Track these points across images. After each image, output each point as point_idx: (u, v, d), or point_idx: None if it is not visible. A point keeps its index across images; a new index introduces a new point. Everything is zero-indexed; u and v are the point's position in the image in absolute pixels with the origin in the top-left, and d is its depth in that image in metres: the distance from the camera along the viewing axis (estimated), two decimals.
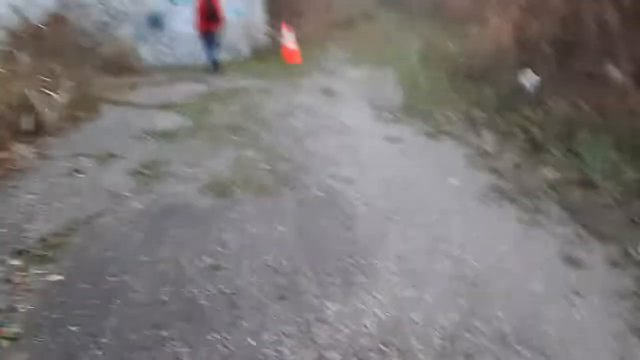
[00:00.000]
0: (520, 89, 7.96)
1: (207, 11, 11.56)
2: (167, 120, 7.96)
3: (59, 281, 3.88)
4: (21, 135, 6.86)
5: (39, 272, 3.99)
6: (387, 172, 5.87)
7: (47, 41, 9.64)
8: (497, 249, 4.25)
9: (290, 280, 3.85)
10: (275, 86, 10.35)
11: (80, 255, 4.24)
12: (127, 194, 5.38)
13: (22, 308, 3.56)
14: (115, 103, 9.10)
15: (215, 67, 11.94)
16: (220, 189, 5.45)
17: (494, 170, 5.74)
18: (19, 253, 4.23)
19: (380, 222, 4.70)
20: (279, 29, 13.54)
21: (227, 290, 3.73)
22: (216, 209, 5.04)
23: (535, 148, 6.11)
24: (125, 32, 12.52)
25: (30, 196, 5.33)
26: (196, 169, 6.05)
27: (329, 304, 3.57)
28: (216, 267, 4.03)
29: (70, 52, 9.88)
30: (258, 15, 14.15)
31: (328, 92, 9.84)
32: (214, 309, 3.54)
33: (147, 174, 5.91)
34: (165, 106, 8.82)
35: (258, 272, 3.96)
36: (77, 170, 6.04)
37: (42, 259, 4.16)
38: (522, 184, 5.37)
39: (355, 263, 4.04)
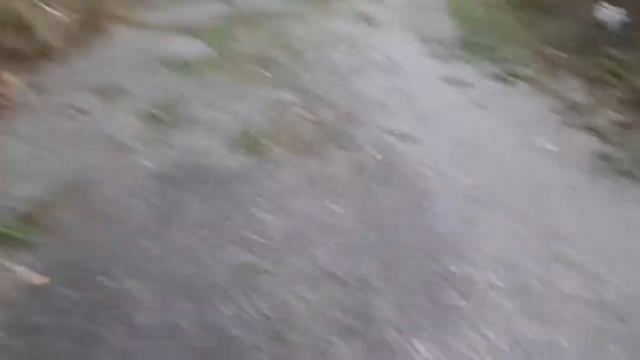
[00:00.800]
0: (601, 24, 6.53)
1: None
2: (187, 47, 6.60)
3: (40, 287, 2.72)
4: (14, 60, 5.58)
5: (14, 269, 2.83)
6: (458, 127, 4.60)
7: None
8: (636, 256, 3.03)
9: (357, 298, 2.67)
10: (308, 10, 8.84)
11: (70, 240, 3.06)
12: (135, 145, 4.16)
13: None
14: (129, 23, 7.71)
15: None
16: (252, 144, 4.22)
17: (594, 131, 4.46)
18: None
19: (464, 203, 3.49)
20: None
21: (271, 314, 2.56)
22: (248, 172, 3.82)
23: (638, 101, 4.78)
24: None
25: (19, 145, 4.12)
26: (221, 113, 4.79)
27: (417, 345, 2.41)
28: (253, 269, 2.85)
29: None
30: None
31: (368, 19, 8.36)
32: (253, 349, 2.39)
33: (161, 117, 4.66)
34: (185, 29, 7.42)
35: (311, 280, 2.78)
36: (78, 110, 4.79)
37: (22, 246, 2.99)
38: (636, 152, 4.09)
39: (443, 272, 2.85)
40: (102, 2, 7.91)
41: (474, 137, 4.40)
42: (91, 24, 7.11)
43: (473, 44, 6.85)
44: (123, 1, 8.63)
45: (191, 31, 7.38)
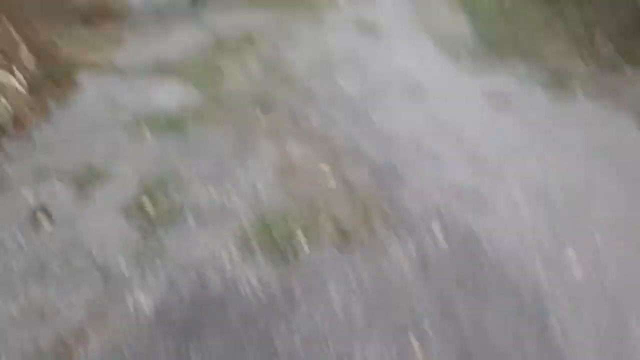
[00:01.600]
0: None
1: None
2: (168, 94, 5.42)
3: None
4: None
5: None
6: (535, 170, 3.47)
7: None
8: None
9: None
10: (295, 23, 7.62)
11: None
12: (123, 270, 3.01)
13: None
14: (96, 68, 6.50)
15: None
16: (274, 241, 3.08)
17: None
18: None
19: (598, 311, 2.36)
20: None
21: None
22: (278, 295, 2.68)
23: None
24: None
25: None
26: (225, 191, 3.65)
27: None
28: None
29: (28, 4, 7.18)
30: None
31: (368, 27, 7.16)
32: None
33: (150, 211, 3.51)
34: (162, 69, 6.22)
35: None
36: (43, 211, 3.64)
37: None
38: None
39: None
40: (63, 47, 6.76)
41: (562, 188, 3.27)
42: (52, 77, 5.94)
43: (500, 42, 5.69)
44: (88, 42, 7.46)
45: (170, 70, 6.20)
